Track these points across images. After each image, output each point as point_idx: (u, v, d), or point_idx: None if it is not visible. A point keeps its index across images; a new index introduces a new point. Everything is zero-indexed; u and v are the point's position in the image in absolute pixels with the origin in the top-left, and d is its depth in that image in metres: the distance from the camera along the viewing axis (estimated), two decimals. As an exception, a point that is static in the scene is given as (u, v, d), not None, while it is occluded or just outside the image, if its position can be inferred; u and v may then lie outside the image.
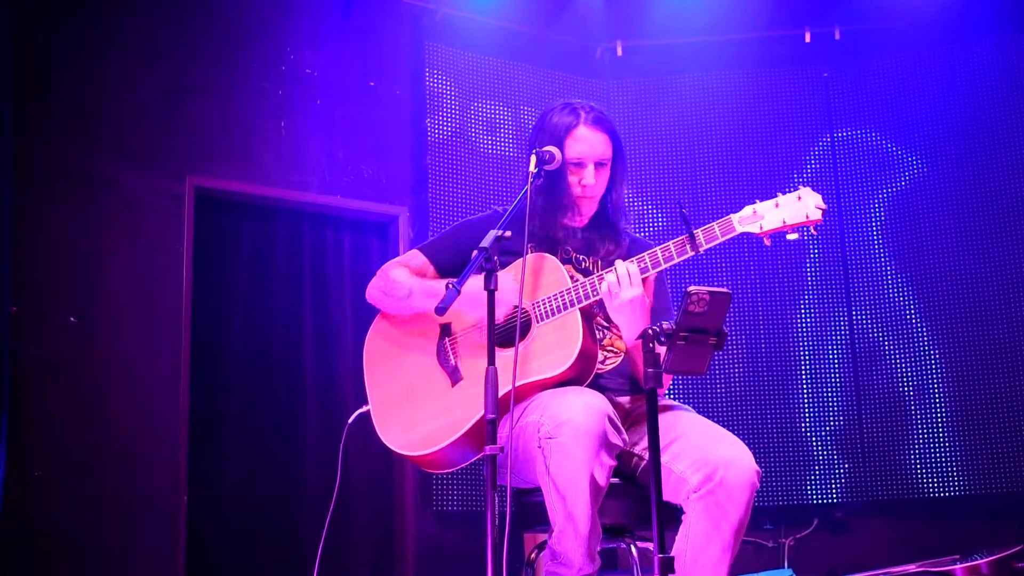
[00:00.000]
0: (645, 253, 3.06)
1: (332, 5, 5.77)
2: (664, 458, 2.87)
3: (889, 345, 5.97)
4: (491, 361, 2.75)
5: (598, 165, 3.28)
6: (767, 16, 6.27)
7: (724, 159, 6.17)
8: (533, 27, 6.30)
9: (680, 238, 3.02)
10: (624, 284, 2.99)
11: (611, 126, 3.32)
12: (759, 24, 6.30)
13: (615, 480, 3.01)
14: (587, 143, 3.26)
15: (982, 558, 4.95)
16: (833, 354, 6.03)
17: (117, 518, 4.68)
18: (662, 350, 2.62)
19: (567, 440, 2.80)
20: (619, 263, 3.03)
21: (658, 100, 6.35)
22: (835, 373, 6.01)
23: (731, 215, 3.02)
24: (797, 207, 2.98)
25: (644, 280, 3.04)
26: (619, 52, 6.43)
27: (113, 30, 5.07)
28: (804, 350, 6.04)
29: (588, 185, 3.26)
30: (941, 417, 5.81)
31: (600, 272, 3.11)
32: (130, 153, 5.01)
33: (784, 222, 2.98)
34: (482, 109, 6.02)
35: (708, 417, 3.11)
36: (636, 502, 3.08)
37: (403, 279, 3.34)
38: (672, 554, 2.66)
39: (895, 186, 6.09)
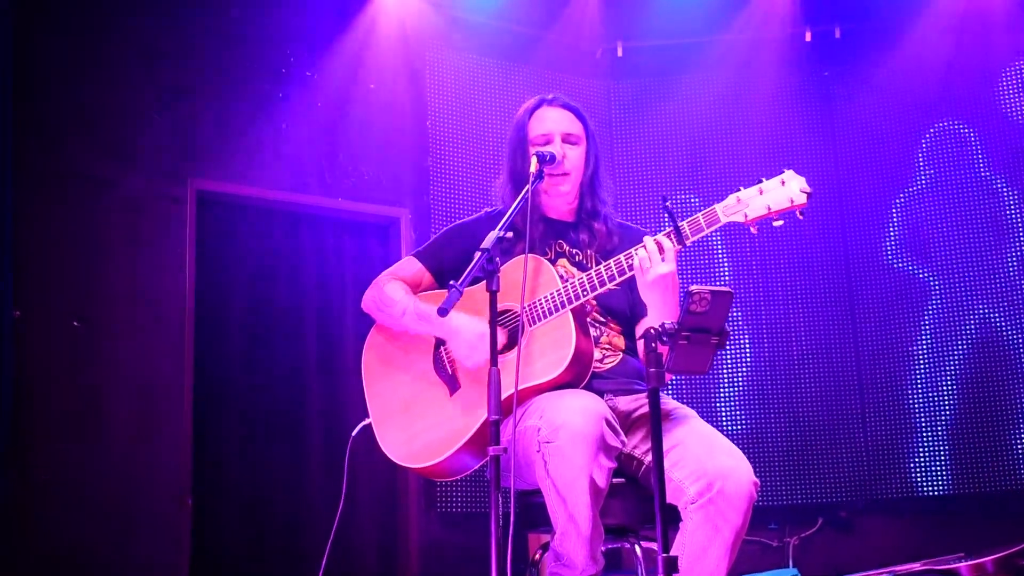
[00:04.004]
0: (632, 250, 3.02)
1: (332, 7, 5.76)
2: (664, 464, 2.86)
3: (892, 343, 5.96)
4: (494, 362, 2.74)
5: (568, 142, 3.31)
6: (767, 15, 6.28)
7: (725, 159, 6.18)
8: (533, 28, 6.31)
9: (666, 231, 2.99)
10: (656, 259, 2.95)
11: (576, 107, 3.38)
12: (759, 23, 6.30)
13: (618, 480, 3.01)
14: (551, 119, 3.33)
15: (987, 556, 4.94)
16: (836, 352, 6.03)
17: (120, 522, 4.68)
18: (664, 350, 2.61)
19: (565, 444, 2.79)
20: (648, 239, 2.98)
21: (658, 100, 6.35)
22: (838, 372, 6.00)
23: (715, 205, 2.99)
24: (781, 192, 2.94)
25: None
26: (619, 53, 6.43)
27: (114, 32, 5.06)
28: (807, 349, 6.04)
29: (559, 160, 3.25)
30: (945, 415, 5.80)
31: (605, 263, 3.07)
32: (132, 155, 5.01)
33: (769, 209, 2.94)
34: (483, 110, 6.02)
35: (711, 416, 3.11)
36: (639, 503, 3.07)
37: (398, 297, 3.32)
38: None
39: (897, 184, 6.09)
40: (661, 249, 2.95)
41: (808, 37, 6.30)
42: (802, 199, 2.92)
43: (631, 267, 3.00)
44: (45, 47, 4.86)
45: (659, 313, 2.95)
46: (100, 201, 4.90)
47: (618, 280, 3.04)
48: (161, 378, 4.90)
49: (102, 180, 4.91)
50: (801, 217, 2.95)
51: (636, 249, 2.99)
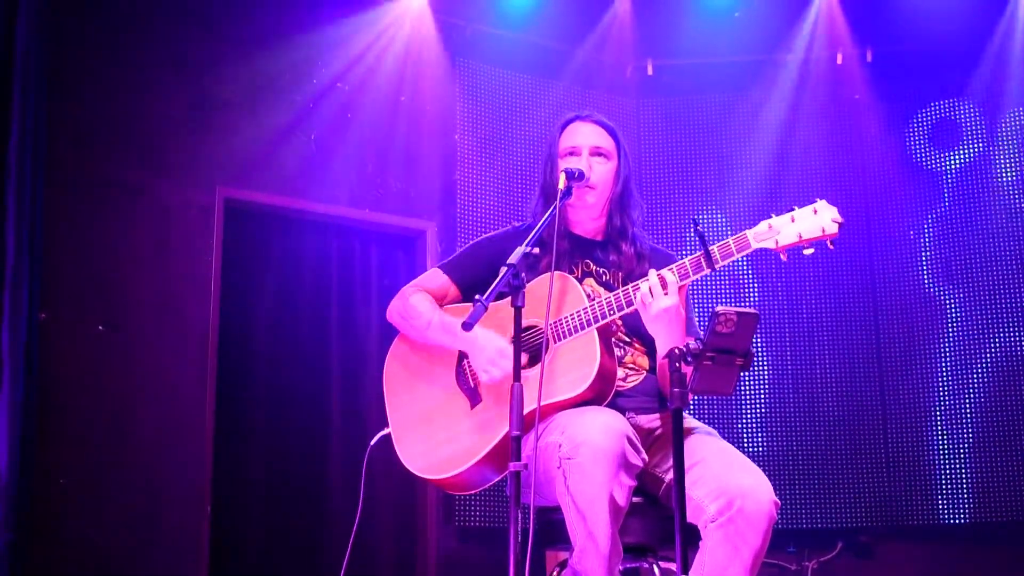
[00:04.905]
0: (633, 284, 3.02)
1: (364, 20, 5.79)
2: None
3: (916, 369, 5.93)
4: (516, 377, 2.74)
5: (596, 155, 3.29)
6: (798, 38, 6.27)
7: (754, 179, 6.17)
8: (563, 44, 6.32)
9: (695, 255, 2.98)
10: (658, 294, 2.95)
11: (610, 125, 3.37)
12: (790, 45, 6.29)
13: (638, 498, 3.00)
14: (580, 133, 3.33)
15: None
16: (860, 377, 6.00)
17: (141, 527, 4.70)
18: (689, 370, 2.60)
19: (586, 461, 2.78)
20: (652, 272, 2.98)
21: (688, 119, 6.36)
22: (861, 396, 5.97)
23: (746, 231, 2.97)
24: (813, 221, 2.92)
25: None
26: (649, 71, 6.44)
27: (146, 41, 5.11)
28: (830, 372, 6.01)
29: (586, 174, 3.23)
30: (969, 443, 5.76)
31: (624, 287, 3.08)
32: (161, 163, 5.05)
33: (800, 237, 2.92)
34: (511, 125, 6.03)
35: (733, 437, 3.09)
36: (658, 522, 3.06)
37: (424, 308, 3.31)
38: (690, 577, 2.64)
39: (925, 209, 6.06)
40: (664, 284, 2.96)
41: (839, 60, 6.29)
42: (834, 229, 2.90)
43: (612, 309, 3.04)
44: (79, 56, 4.90)
45: (666, 344, 2.94)
46: (129, 208, 4.94)
47: (607, 319, 3.06)
48: (185, 384, 4.92)
49: (132, 187, 4.95)
50: (832, 247, 2.94)
51: (640, 282, 3.00)
